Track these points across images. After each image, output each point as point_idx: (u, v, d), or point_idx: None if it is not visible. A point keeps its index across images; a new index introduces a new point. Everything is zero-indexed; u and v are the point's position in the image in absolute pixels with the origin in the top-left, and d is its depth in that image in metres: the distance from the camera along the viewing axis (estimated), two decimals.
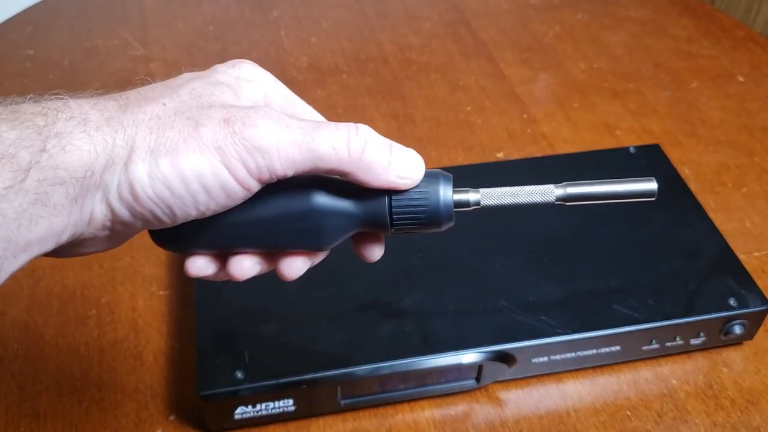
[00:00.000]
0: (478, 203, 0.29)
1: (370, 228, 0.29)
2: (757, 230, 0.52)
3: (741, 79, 0.66)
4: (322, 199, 0.28)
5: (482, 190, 0.29)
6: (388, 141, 0.28)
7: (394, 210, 0.28)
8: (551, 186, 0.29)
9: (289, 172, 0.26)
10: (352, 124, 0.27)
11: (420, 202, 0.28)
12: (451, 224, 0.30)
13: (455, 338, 0.40)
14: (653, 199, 0.29)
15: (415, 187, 0.28)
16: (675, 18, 0.73)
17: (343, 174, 0.27)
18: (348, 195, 0.28)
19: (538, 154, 0.57)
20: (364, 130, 0.27)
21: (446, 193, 0.29)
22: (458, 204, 0.29)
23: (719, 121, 0.61)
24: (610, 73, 0.66)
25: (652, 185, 0.29)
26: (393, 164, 0.27)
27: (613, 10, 0.74)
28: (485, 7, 0.75)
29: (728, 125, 0.61)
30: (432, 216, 0.29)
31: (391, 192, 0.28)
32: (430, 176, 0.29)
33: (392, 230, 0.29)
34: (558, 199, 0.29)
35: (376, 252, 0.31)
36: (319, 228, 0.28)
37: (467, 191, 0.29)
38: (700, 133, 0.60)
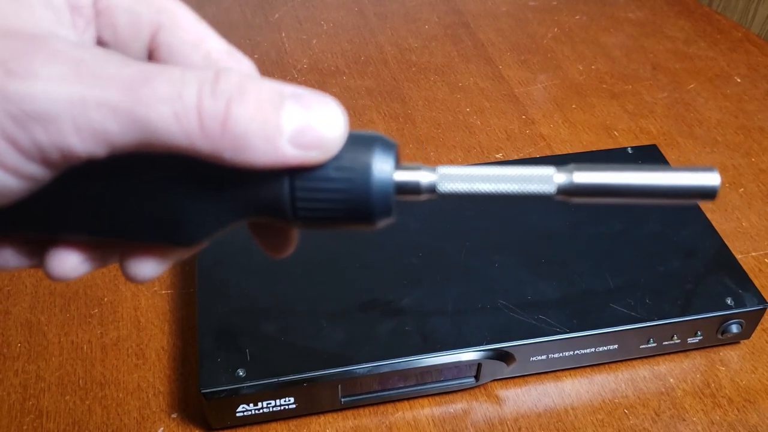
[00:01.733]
0: (433, 189, 0.20)
1: (264, 217, 0.20)
2: (754, 230, 0.52)
3: (738, 80, 0.66)
4: (184, 172, 0.18)
5: (441, 169, 0.20)
6: (277, 88, 0.18)
7: (298, 195, 0.19)
8: (551, 169, 0.20)
9: (99, 151, 0.17)
10: (210, 71, 0.17)
11: (337, 184, 0.19)
12: (389, 220, 0.20)
13: (454, 337, 0.40)
14: (712, 200, 0.19)
15: (334, 159, 0.19)
16: (672, 19, 0.73)
17: (197, 155, 0.17)
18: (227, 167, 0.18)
19: (537, 155, 0.58)
20: (232, 78, 0.17)
21: (382, 171, 0.19)
22: (402, 189, 0.20)
23: (716, 122, 0.62)
24: (608, 75, 0.66)
25: (713, 178, 0.18)
26: (286, 128, 0.17)
27: (611, 11, 0.75)
28: (484, 9, 0.75)
29: (725, 126, 0.61)
30: (355, 206, 0.19)
31: (293, 169, 0.18)
32: (358, 143, 0.19)
33: (298, 222, 0.20)
34: (561, 191, 0.20)
35: (281, 247, 0.22)
36: (179, 216, 0.19)
37: (418, 168, 0.20)
38: (697, 134, 0.60)
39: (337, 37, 0.71)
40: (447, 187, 0.20)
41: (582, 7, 0.75)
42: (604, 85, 0.65)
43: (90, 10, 0.20)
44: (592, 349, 0.42)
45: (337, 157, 0.19)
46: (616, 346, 0.42)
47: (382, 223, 0.20)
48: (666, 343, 0.43)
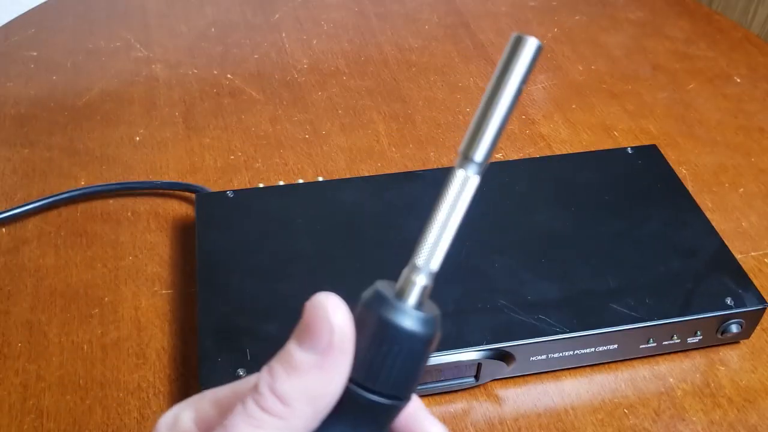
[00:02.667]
0: (431, 275, 0.22)
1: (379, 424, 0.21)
2: (754, 230, 0.52)
3: (738, 80, 0.66)
4: None
5: (418, 260, 0.22)
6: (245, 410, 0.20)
7: (368, 387, 0.20)
8: (460, 173, 0.21)
9: None
10: None
11: (385, 353, 0.20)
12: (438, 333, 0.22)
13: (454, 336, 0.40)
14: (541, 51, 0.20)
15: (361, 341, 0.20)
16: (672, 20, 0.73)
17: None
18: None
19: (537, 155, 0.58)
20: None
21: (403, 314, 0.20)
22: (420, 299, 0.21)
23: (716, 122, 0.62)
24: (608, 75, 0.67)
25: (530, 44, 0.19)
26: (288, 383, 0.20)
27: (610, 12, 0.75)
28: (484, 9, 0.75)
29: (725, 126, 0.61)
30: (413, 351, 0.21)
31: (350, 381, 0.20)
32: (367, 312, 0.21)
33: (402, 401, 0.21)
34: (481, 172, 0.21)
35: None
36: None
37: (411, 282, 0.21)
38: (697, 134, 0.60)
39: (338, 38, 0.71)
40: (435, 266, 0.22)
41: (582, 8, 0.75)
42: (604, 86, 0.65)
43: None
44: (592, 349, 0.42)
45: (362, 338, 0.20)
46: (616, 346, 0.42)
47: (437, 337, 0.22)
48: (666, 342, 0.43)
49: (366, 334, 0.20)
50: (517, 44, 0.20)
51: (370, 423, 0.21)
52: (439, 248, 0.22)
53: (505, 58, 0.20)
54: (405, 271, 0.22)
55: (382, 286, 0.21)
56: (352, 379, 0.20)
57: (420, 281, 0.21)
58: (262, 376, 0.21)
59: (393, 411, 0.21)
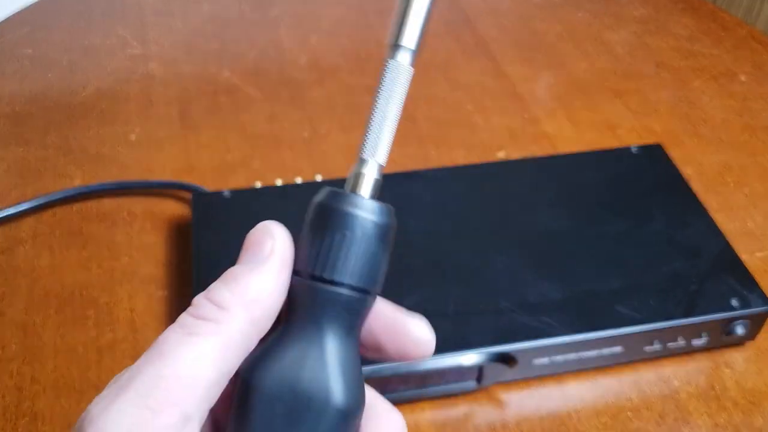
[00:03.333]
0: (380, 167, 0.21)
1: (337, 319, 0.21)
2: (760, 230, 0.52)
3: (743, 78, 0.65)
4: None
5: (364, 154, 0.21)
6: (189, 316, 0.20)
7: (314, 274, 0.20)
8: (392, 62, 0.21)
9: None
10: None
11: (341, 241, 0.20)
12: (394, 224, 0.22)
13: (456, 339, 0.40)
14: None
15: (317, 237, 0.20)
16: (677, 17, 0.73)
17: None
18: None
19: (540, 154, 0.57)
20: None
21: (356, 200, 0.20)
22: (374, 191, 0.21)
23: (721, 121, 0.61)
24: (611, 72, 0.66)
25: None
26: (239, 281, 0.20)
27: (614, 8, 0.74)
28: (486, 6, 0.74)
29: (730, 125, 0.61)
30: (370, 237, 0.21)
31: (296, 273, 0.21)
32: (321, 207, 0.21)
33: (367, 295, 0.21)
34: (411, 61, 0.21)
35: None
36: None
37: (360, 174, 0.21)
38: (701, 133, 0.60)
39: (337, 34, 0.71)
40: (381, 158, 0.22)
41: (585, 4, 0.74)
42: (608, 83, 0.65)
43: None
44: (596, 352, 0.41)
45: (308, 227, 0.21)
46: (620, 349, 0.42)
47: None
48: (670, 344, 0.42)
49: (321, 227, 0.20)
50: None
51: (339, 320, 0.20)
52: (383, 139, 0.22)
53: None
54: (353, 168, 0.22)
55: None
56: (312, 275, 0.20)
57: (370, 173, 0.21)
58: (198, 295, 0.21)
59: (360, 305, 0.21)
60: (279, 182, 0.50)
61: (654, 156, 0.51)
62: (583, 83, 0.65)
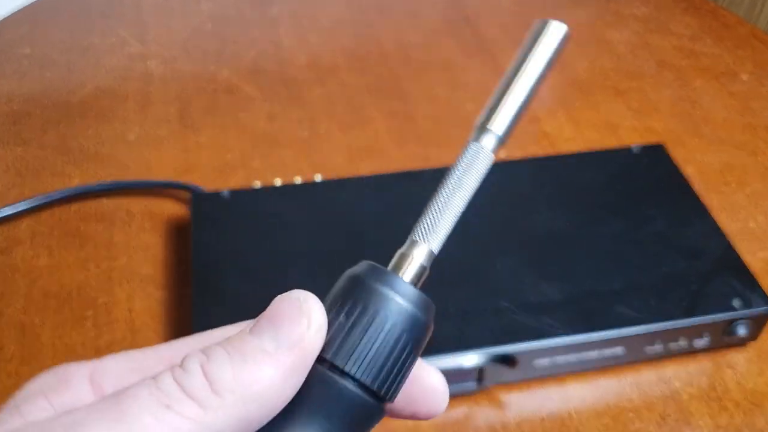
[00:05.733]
0: (431, 255, 0.19)
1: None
2: (761, 230, 0.52)
3: (744, 77, 0.65)
4: None
5: (416, 236, 0.19)
6: (224, 346, 0.17)
7: (348, 371, 0.17)
8: (474, 145, 0.19)
9: None
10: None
11: (367, 332, 0.17)
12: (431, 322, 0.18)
13: (456, 340, 0.39)
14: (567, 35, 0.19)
15: (335, 319, 0.17)
16: (678, 16, 0.72)
17: None
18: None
19: (540, 153, 0.57)
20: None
21: (400, 286, 0.17)
22: (417, 278, 0.18)
23: (723, 120, 0.61)
24: (612, 72, 0.66)
25: (559, 29, 0.18)
26: (265, 338, 0.17)
27: (615, 7, 0.74)
28: (487, 4, 0.74)
29: (732, 124, 0.60)
30: (406, 331, 0.17)
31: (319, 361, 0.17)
32: (355, 283, 0.18)
33: (382, 403, 0.18)
34: (494, 148, 0.20)
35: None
36: None
37: (407, 256, 0.18)
38: (703, 132, 0.60)
39: (336, 33, 0.70)
40: (435, 245, 0.19)
41: (586, 3, 0.74)
42: (609, 82, 0.64)
43: None
44: (597, 353, 0.41)
45: (338, 315, 0.17)
46: (621, 349, 0.41)
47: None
48: (672, 345, 0.42)
49: (346, 303, 0.17)
50: (543, 28, 0.19)
51: (345, 425, 0.17)
52: (441, 225, 0.19)
53: (529, 39, 0.19)
54: (401, 249, 0.19)
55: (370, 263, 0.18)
56: (332, 364, 0.17)
57: (417, 257, 0.19)
58: (192, 354, 0.16)
59: (371, 415, 0.18)
60: (278, 182, 0.50)
61: (655, 156, 0.51)
62: (584, 82, 0.64)
